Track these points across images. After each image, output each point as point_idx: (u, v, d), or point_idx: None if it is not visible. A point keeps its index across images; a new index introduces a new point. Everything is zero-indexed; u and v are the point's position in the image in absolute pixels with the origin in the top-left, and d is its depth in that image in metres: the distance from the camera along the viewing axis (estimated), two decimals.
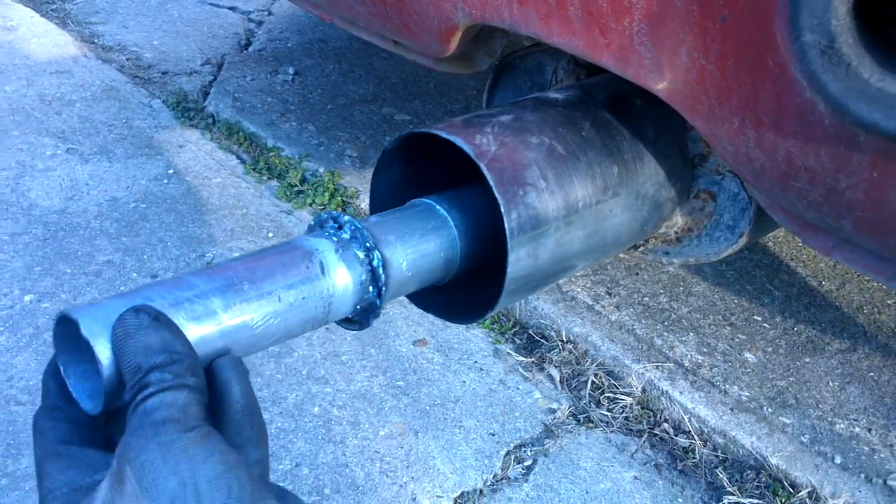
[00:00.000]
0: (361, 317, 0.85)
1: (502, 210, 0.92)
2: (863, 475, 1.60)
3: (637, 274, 2.08)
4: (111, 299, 0.65)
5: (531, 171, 0.96)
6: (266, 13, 3.35)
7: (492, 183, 0.92)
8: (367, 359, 1.87)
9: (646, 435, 1.75)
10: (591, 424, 1.77)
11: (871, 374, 1.83)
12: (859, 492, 1.57)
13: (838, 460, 1.63)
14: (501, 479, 1.65)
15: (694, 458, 1.69)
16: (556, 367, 1.87)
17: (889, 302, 2.03)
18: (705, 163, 1.18)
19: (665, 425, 1.75)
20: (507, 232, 0.92)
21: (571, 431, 1.75)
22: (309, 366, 1.83)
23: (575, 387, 1.84)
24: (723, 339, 1.90)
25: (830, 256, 0.97)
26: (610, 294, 2.00)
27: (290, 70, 2.91)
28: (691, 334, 1.90)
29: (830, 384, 1.80)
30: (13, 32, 3.08)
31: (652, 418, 1.77)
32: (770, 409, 1.73)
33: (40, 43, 3.02)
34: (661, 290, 2.03)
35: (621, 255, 2.04)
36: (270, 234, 2.21)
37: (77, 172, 2.38)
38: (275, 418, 1.70)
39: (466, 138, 0.95)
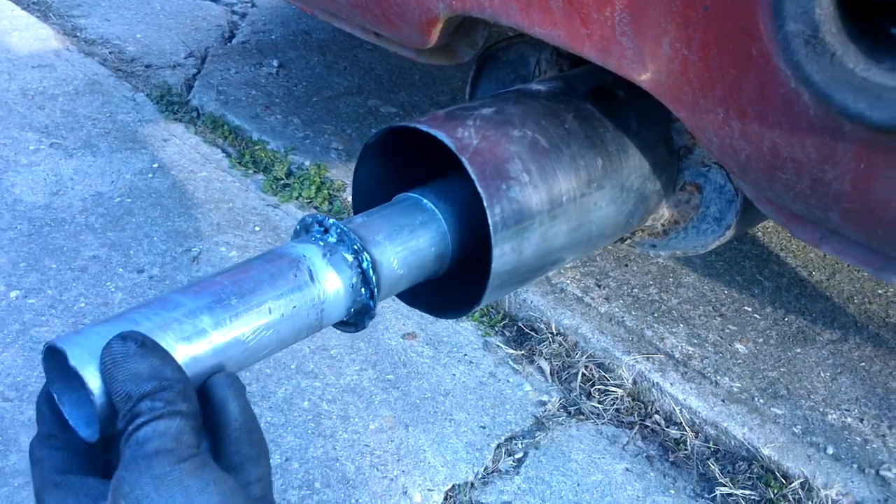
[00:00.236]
0: (356, 318, 0.85)
1: (485, 204, 0.90)
2: (855, 465, 1.60)
3: (626, 265, 2.06)
4: (97, 325, 0.64)
5: (514, 165, 0.94)
6: (249, 5, 3.32)
7: (474, 177, 0.90)
8: (356, 353, 1.85)
9: (637, 427, 1.74)
10: (581, 416, 1.76)
11: (863, 364, 1.82)
12: (852, 482, 1.56)
13: (830, 451, 1.62)
14: (492, 472, 1.64)
15: (685, 449, 1.69)
16: (546, 359, 1.86)
17: (879, 292, 2.02)
18: (691, 154, 1.17)
19: (656, 417, 1.74)
20: (491, 226, 0.91)
21: (562, 424, 1.74)
22: (298, 360, 1.82)
23: (565, 379, 1.83)
24: (713, 330, 1.89)
25: (818, 248, 0.96)
26: (599, 286, 1.99)
27: (275, 62, 2.89)
28: (681, 325, 1.89)
29: (822, 374, 1.79)
30: None
31: (643, 410, 1.76)
32: (761, 400, 1.72)
33: (22, 37, 2.99)
34: (651, 282, 2.02)
35: (609, 247, 2.03)
36: (257, 228, 2.19)
37: (61, 167, 2.36)
38: (264, 413, 1.69)
39: (448, 132, 0.93)
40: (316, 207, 2.27)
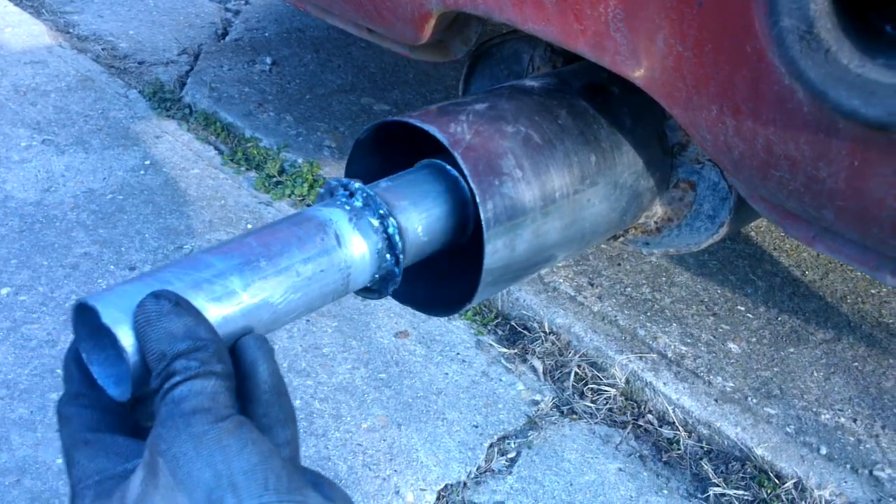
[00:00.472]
0: (380, 285, 0.84)
1: (478, 200, 0.89)
2: (848, 466, 1.59)
3: (619, 264, 2.06)
4: (129, 283, 0.63)
5: (507, 161, 0.94)
6: (243, 2, 3.30)
7: (467, 172, 0.90)
8: (348, 351, 1.85)
9: (630, 426, 1.73)
10: (574, 416, 1.75)
11: (856, 363, 1.82)
12: (845, 482, 1.56)
13: (824, 451, 1.62)
14: (485, 472, 1.63)
15: (678, 449, 1.68)
16: (539, 358, 1.85)
17: (873, 291, 2.02)
18: (684, 152, 1.16)
19: (649, 416, 1.74)
20: (484, 223, 0.90)
21: (555, 423, 1.74)
22: (290, 358, 1.81)
23: (558, 378, 1.82)
24: (706, 329, 1.89)
25: (812, 247, 0.96)
26: (592, 285, 1.99)
27: (268, 60, 2.87)
28: (674, 325, 1.89)
29: (815, 374, 1.79)
30: None
31: (636, 409, 1.76)
32: (755, 400, 1.71)
33: (14, 33, 2.97)
34: (644, 281, 2.01)
35: (602, 246, 2.02)
36: (249, 226, 2.18)
37: (53, 164, 2.35)
38: None
39: (441, 127, 0.93)
40: (308, 205, 2.26)
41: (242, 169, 2.39)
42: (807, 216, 0.93)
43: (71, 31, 3.08)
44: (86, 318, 0.61)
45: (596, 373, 1.80)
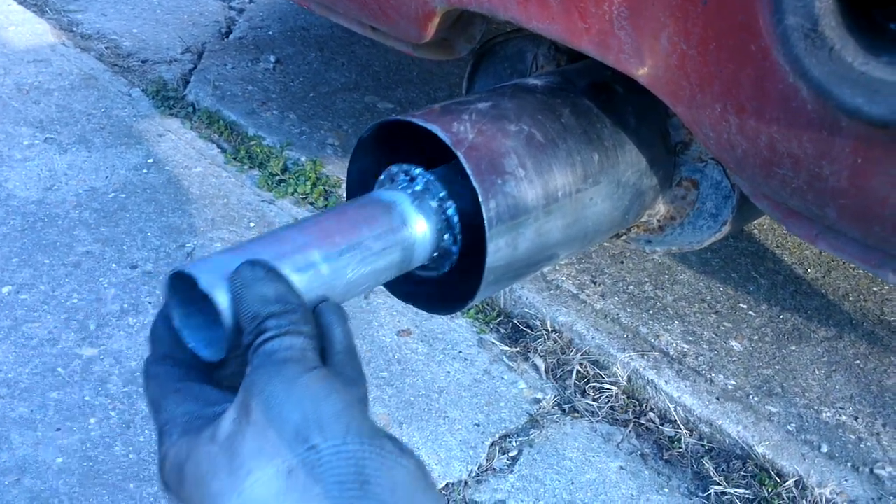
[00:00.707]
0: (437, 263, 0.92)
1: (480, 199, 0.90)
2: (850, 464, 1.60)
3: (622, 262, 2.06)
4: (220, 254, 0.70)
5: (510, 160, 0.94)
6: (247, 1, 3.31)
7: (470, 172, 0.90)
8: None
9: (631, 424, 1.73)
10: (576, 414, 1.75)
11: (858, 361, 1.82)
12: (846, 481, 1.56)
13: (825, 449, 1.62)
14: (486, 471, 1.63)
15: (680, 447, 1.68)
16: (541, 356, 1.86)
17: (875, 289, 2.02)
18: (688, 150, 1.16)
19: (651, 415, 1.74)
20: (486, 221, 0.90)
21: (557, 421, 1.74)
22: None
23: (560, 376, 1.82)
24: (708, 327, 1.89)
25: (815, 245, 0.96)
26: (595, 283, 1.99)
27: (272, 58, 2.88)
28: (677, 323, 1.89)
29: (817, 372, 1.79)
30: None
31: (638, 408, 1.76)
32: (756, 398, 1.72)
33: (17, 31, 2.98)
34: (646, 279, 2.01)
35: (605, 244, 2.03)
36: (252, 224, 2.18)
37: (55, 162, 2.35)
38: None
39: (443, 126, 0.93)
40: (311, 203, 2.26)
41: (245, 167, 2.39)
42: (810, 214, 0.93)
43: (74, 29, 3.08)
44: (179, 286, 0.67)
45: (598, 371, 1.80)
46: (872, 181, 0.79)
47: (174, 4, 3.30)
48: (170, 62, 2.89)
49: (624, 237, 1.26)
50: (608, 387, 1.77)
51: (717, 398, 1.71)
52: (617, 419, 1.75)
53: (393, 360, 1.84)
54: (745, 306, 1.96)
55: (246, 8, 3.26)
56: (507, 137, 0.95)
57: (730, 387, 1.74)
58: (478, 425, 1.71)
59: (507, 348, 1.88)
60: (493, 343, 1.90)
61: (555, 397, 1.78)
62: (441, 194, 0.89)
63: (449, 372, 1.82)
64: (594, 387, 1.79)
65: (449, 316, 1.96)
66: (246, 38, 3.03)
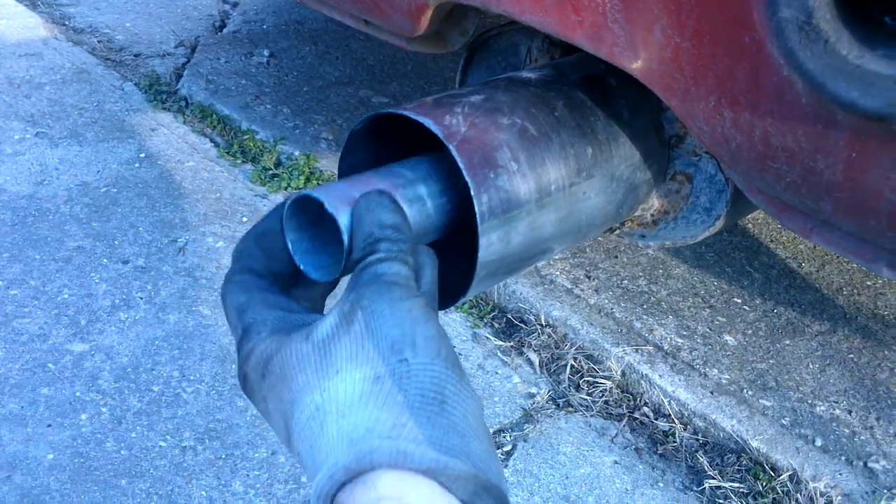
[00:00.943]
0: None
1: (472, 193, 0.89)
2: (843, 458, 1.59)
3: (616, 257, 2.06)
4: (340, 184, 0.75)
5: (502, 153, 0.93)
6: None
7: (462, 165, 0.89)
8: None
9: (626, 419, 1.73)
10: (570, 409, 1.75)
11: (851, 355, 1.82)
12: (840, 474, 1.56)
13: (819, 443, 1.62)
14: None
15: (674, 441, 1.68)
16: (535, 351, 1.85)
17: (868, 284, 2.02)
18: (681, 144, 1.16)
19: (645, 409, 1.74)
20: (478, 215, 0.89)
21: (551, 416, 1.74)
22: None
23: (554, 371, 1.82)
24: (702, 321, 1.89)
25: (809, 239, 0.95)
26: (589, 277, 1.98)
27: (265, 52, 2.86)
28: (671, 317, 1.89)
29: (811, 366, 1.79)
30: None
31: (632, 402, 1.76)
32: (750, 392, 1.71)
33: (9, 25, 2.96)
34: (641, 273, 2.01)
35: (599, 238, 2.02)
36: (245, 219, 2.17)
37: (47, 157, 2.34)
38: (250, 406, 1.68)
39: (436, 119, 0.92)
40: None
41: (238, 162, 2.38)
42: (804, 208, 0.92)
43: (67, 23, 3.06)
44: (295, 212, 0.72)
45: (592, 365, 1.80)
46: (867, 175, 0.79)
47: None
48: (163, 56, 2.88)
49: (617, 232, 1.26)
50: (602, 381, 1.77)
51: (712, 392, 1.71)
52: (611, 413, 1.74)
53: None
54: (739, 300, 1.96)
55: (240, 1, 3.24)
56: (500, 131, 0.95)
57: (724, 381, 1.74)
58: None
59: (501, 343, 1.88)
60: (487, 338, 1.89)
61: (549, 392, 1.78)
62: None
63: None
64: (588, 381, 1.78)
65: (442, 311, 1.95)
66: (240, 31, 3.02)
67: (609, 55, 0.97)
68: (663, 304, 1.92)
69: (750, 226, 2.19)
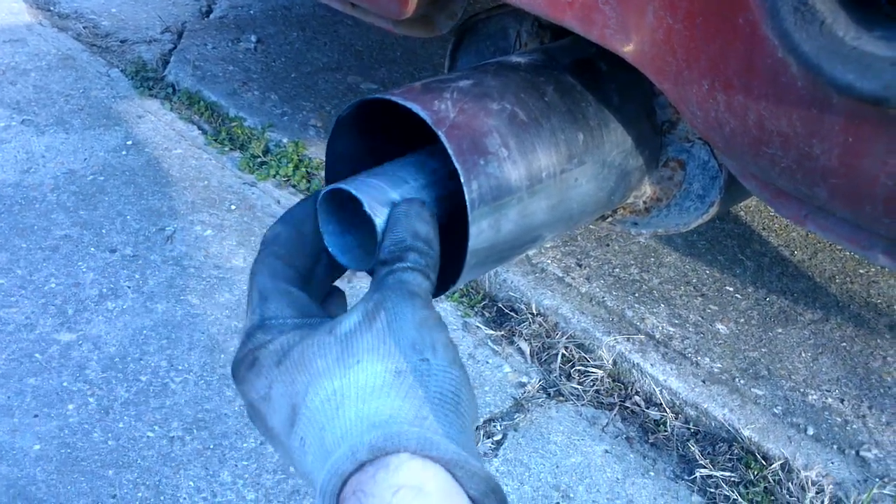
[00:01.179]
0: None
1: (462, 180, 0.87)
2: (835, 446, 1.59)
3: (607, 245, 2.04)
4: (376, 177, 0.77)
5: (492, 139, 0.91)
6: None
7: (451, 152, 0.87)
8: None
9: (617, 408, 1.72)
10: (561, 398, 1.74)
11: (844, 344, 1.81)
12: (832, 463, 1.56)
13: (811, 431, 1.61)
14: None
15: (665, 430, 1.67)
16: (525, 340, 1.84)
17: (861, 271, 2.01)
18: (674, 130, 1.14)
19: (636, 398, 1.73)
20: (468, 203, 0.88)
21: (542, 405, 1.72)
22: None
23: (545, 360, 1.81)
24: (694, 310, 1.87)
25: (803, 226, 0.94)
26: (580, 266, 1.97)
27: (253, 38, 2.83)
28: (662, 306, 1.87)
29: (803, 355, 1.78)
30: None
31: (623, 391, 1.75)
32: (742, 381, 1.70)
33: None
34: (632, 262, 2.00)
35: (591, 226, 2.01)
36: (233, 207, 2.15)
37: (33, 144, 2.31)
38: (238, 397, 1.66)
39: (424, 104, 0.90)
40: (294, 186, 2.23)
41: (226, 149, 2.36)
42: (799, 194, 0.91)
43: (52, 8, 3.03)
44: (335, 198, 0.75)
45: (583, 354, 1.79)
46: (864, 160, 0.77)
47: None
48: (149, 42, 2.85)
49: (609, 219, 1.24)
50: (593, 370, 1.76)
51: (703, 381, 1.70)
52: (602, 403, 1.73)
53: None
54: (731, 289, 1.94)
55: None
56: (490, 116, 0.93)
57: (716, 370, 1.73)
58: None
59: (491, 332, 1.86)
60: (477, 327, 1.88)
61: (540, 381, 1.77)
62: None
63: None
64: (579, 370, 1.77)
65: (433, 299, 1.94)
66: (227, 17, 2.99)
67: (600, 38, 0.95)
68: (655, 292, 1.91)
69: (742, 213, 2.18)
